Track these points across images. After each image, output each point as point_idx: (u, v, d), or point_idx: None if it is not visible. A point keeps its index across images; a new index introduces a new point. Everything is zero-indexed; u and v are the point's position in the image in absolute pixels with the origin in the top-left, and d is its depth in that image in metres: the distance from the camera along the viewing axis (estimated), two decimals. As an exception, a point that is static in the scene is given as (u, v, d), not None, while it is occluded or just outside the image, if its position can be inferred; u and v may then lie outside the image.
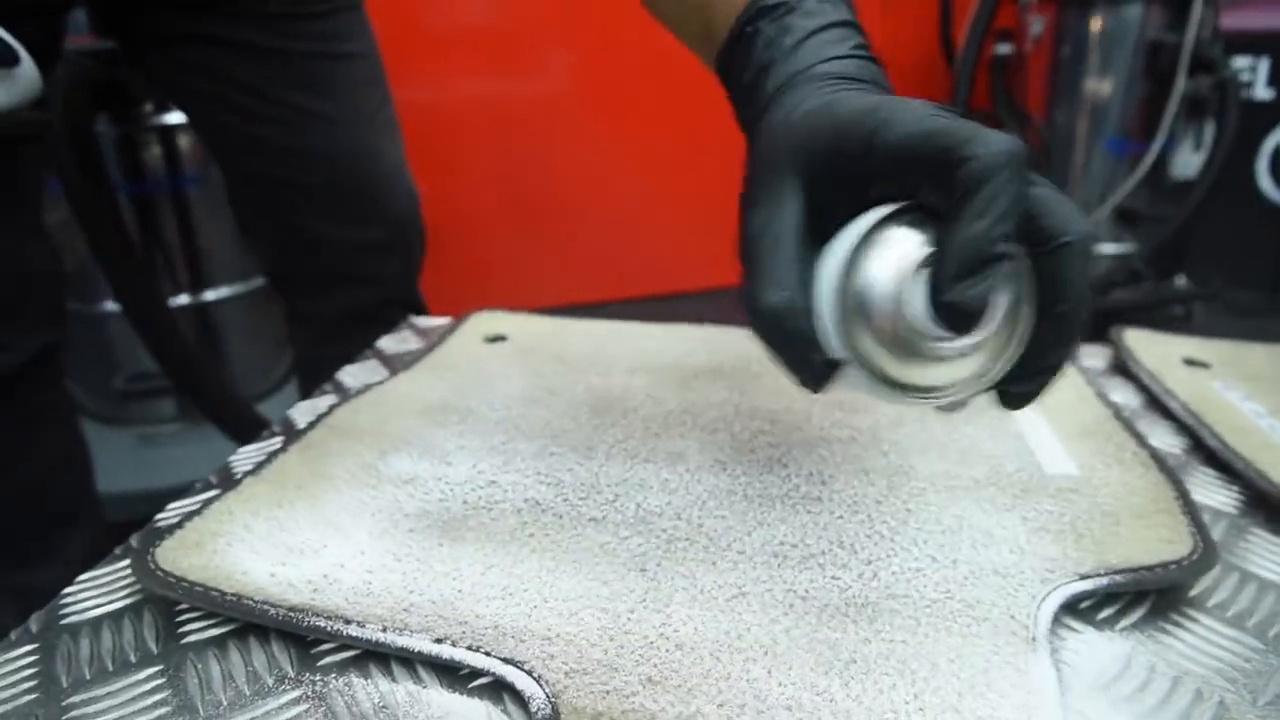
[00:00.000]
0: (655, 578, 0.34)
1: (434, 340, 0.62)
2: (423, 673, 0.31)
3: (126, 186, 1.07)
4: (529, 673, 0.29)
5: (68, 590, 0.36)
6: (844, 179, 0.29)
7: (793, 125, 0.31)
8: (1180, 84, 1.36)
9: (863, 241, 0.27)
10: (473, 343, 0.62)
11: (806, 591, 0.33)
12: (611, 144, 2.09)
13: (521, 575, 0.35)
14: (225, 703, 0.30)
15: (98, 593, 0.36)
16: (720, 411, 0.49)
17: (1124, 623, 0.33)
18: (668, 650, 0.30)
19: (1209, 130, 1.40)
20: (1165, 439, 0.47)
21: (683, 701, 0.28)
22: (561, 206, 2.13)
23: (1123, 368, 0.55)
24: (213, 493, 0.42)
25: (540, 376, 0.55)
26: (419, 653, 0.31)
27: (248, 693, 0.30)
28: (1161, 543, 0.35)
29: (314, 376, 0.60)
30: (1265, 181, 1.70)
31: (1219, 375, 0.53)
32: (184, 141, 1.11)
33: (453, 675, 0.31)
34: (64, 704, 0.30)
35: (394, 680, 0.31)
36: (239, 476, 0.43)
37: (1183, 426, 0.47)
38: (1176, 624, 0.32)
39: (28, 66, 0.47)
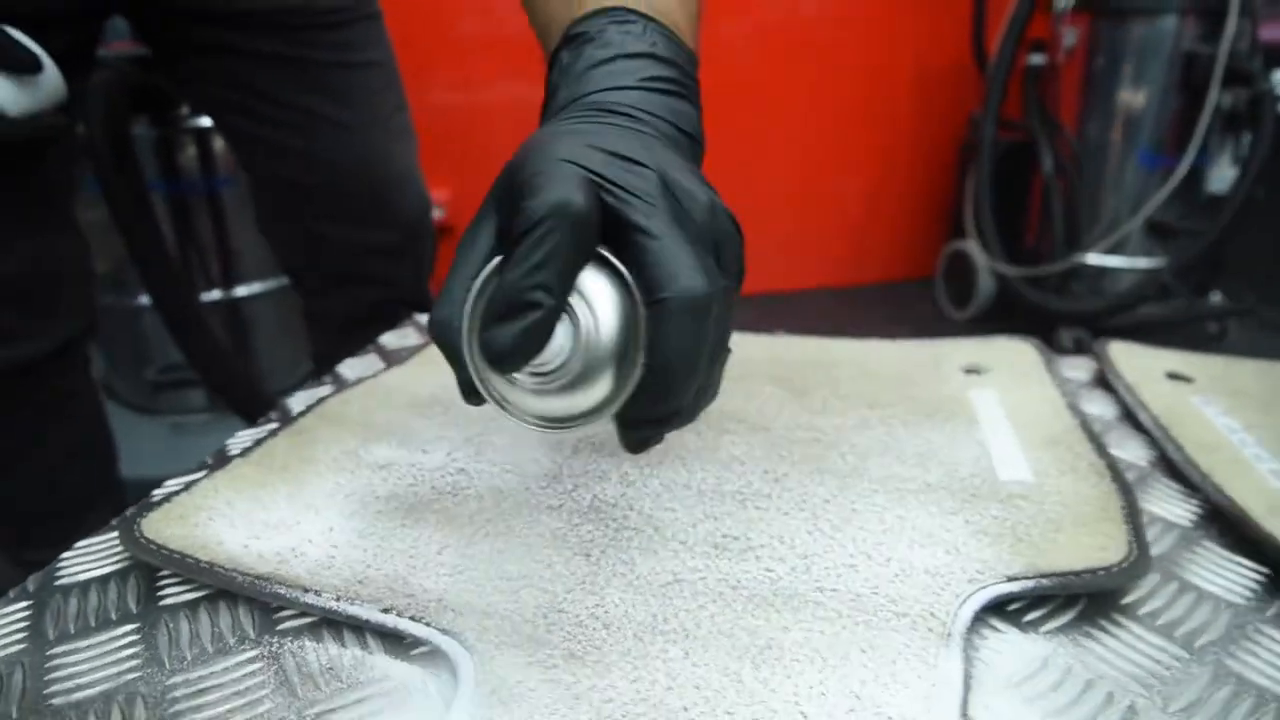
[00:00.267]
0: (598, 563, 0.36)
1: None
2: (370, 640, 0.33)
3: (163, 187, 1.13)
4: (462, 643, 0.31)
5: (65, 555, 0.39)
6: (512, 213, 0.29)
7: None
8: (1214, 96, 1.33)
9: (489, 275, 0.28)
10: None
11: (739, 581, 0.35)
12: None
13: (473, 555, 0.37)
14: (189, 658, 0.32)
15: (91, 558, 0.39)
16: (692, 411, 0.51)
17: (1050, 625, 0.33)
18: (595, 629, 0.32)
19: (1245, 143, 1.36)
20: (1134, 451, 0.47)
21: (598, 675, 0.29)
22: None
23: (1104, 380, 0.55)
24: (204, 471, 0.45)
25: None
26: (367, 621, 0.33)
27: (210, 650, 0.33)
28: (1096, 550, 0.35)
29: (329, 372, 0.63)
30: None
31: (1201, 390, 0.52)
32: (218, 144, 1.16)
33: (397, 643, 0.33)
34: (48, 654, 0.33)
35: (343, 645, 0.33)
36: (231, 457, 0.46)
37: (1152, 439, 0.47)
38: (1104, 629, 0.33)
39: (51, 73, 0.51)
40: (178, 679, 0.31)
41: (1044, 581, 0.33)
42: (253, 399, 1.05)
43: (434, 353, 0.62)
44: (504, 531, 0.39)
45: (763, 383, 0.55)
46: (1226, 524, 0.39)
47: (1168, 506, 0.41)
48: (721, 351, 0.32)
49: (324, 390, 0.57)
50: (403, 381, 0.56)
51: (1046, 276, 1.63)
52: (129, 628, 0.34)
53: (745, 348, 0.62)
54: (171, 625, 0.34)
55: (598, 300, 0.28)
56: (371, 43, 0.69)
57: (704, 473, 0.43)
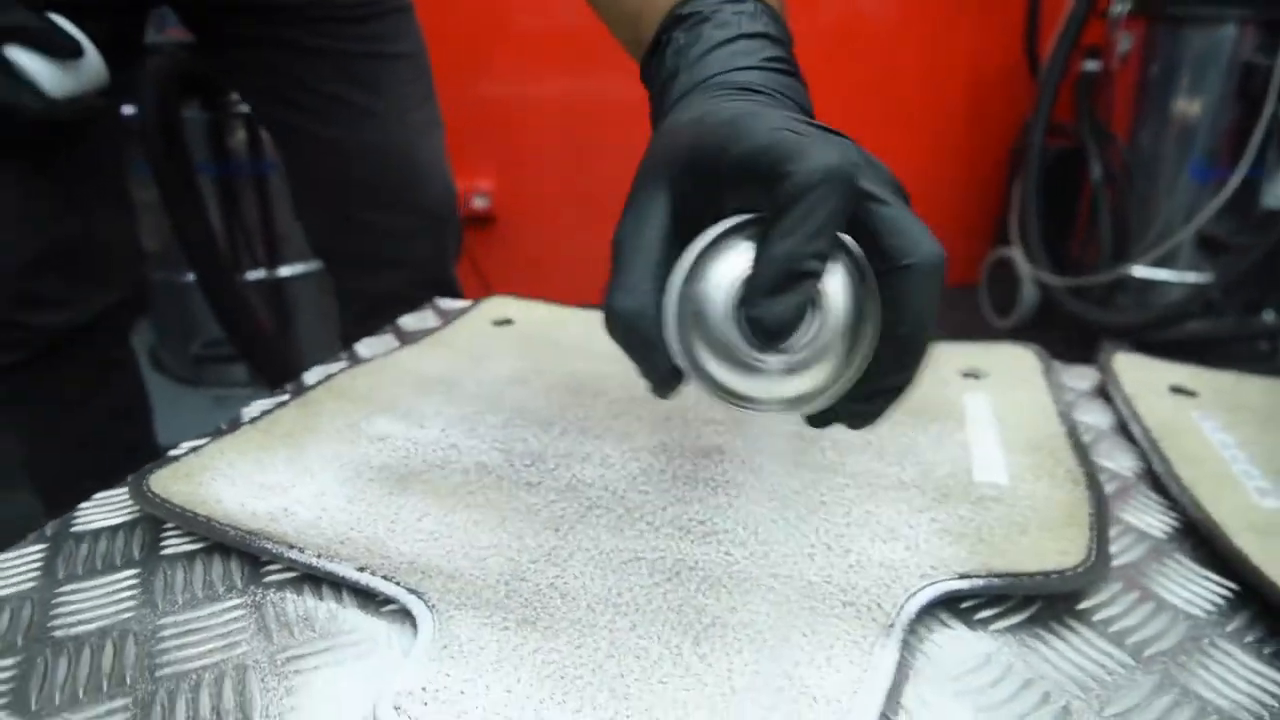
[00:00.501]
0: (565, 537, 0.38)
1: (448, 320, 0.67)
2: (345, 595, 0.35)
3: (213, 169, 1.19)
4: (426, 602, 0.33)
5: (82, 505, 0.42)
6: (705, 190, 0.28)
7: (668, 134, 0.30)
8: (1270, 108, 1.28)
9: (703, 253, 0.27)
10: (481, 325, 0.66)
11: (696, 562, 0.36)
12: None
13: (450, 524, 0.39)
14: (180, 603, 0.35)
15: (105, 509, 0.42)
16: (680, 401, 0.52)
17: (1000, 624, 0.34)
18: (552, 598, 0.33)
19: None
20: (1123, 461, 0.47)
21: (545, 639, 0.31)
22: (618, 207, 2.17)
23: (1105, 390, 0.54)
24: (215, 436, 0.48)
25: (530, 359, 0.59)
26: (343, 577, 0.35)
27: (200, 597, 0.35)
28: (1056, 553, 0.36)
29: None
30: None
31: (1203, 405, 0.52)
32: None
33: (369, 599, 0.35)
34: (55, 591, 0.36)
35: (320, 599, 0.35)
36: (243, 423, 0.49)
37: (1142, 450, 0.47)
38: (1054, 632, 0.33)
39: (92, 58, 0.54)
40: (167, 620, 0.34)
41: (994, 580, 0.34)
42: (289, 375, 1.09)
43: (446, 334, 0.65)
44: (482, 504, 0.40)
45: (757, 377, 0.56)
46: (1201, 538, 0.39)
47: (1145, 517, 0.41)
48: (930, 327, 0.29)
49: (339, 366, 0.60)
50: (412, 360, 0.59)
51: (1091, 287, 1.59)
52: (130, 573, 0.37)
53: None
54: (169, 573, 0.37)
55: (838, 277, 0.27)
56: (402, 35, 0.71)
57: (682, 460, 0.45)
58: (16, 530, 0.41)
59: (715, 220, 0.28)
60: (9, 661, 0.31)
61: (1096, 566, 0.34)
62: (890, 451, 0.46)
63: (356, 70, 0.69)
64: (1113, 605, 0.35)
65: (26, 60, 0.54)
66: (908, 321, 0.27)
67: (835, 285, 0.26)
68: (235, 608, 0.35)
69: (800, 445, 0.46)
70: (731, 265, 0.27)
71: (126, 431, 0.72)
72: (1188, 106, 1.43)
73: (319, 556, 0.36)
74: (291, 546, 0.36)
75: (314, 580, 0.36)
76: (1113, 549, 0.38)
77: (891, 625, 0.32)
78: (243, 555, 0.38)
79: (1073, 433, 0.47)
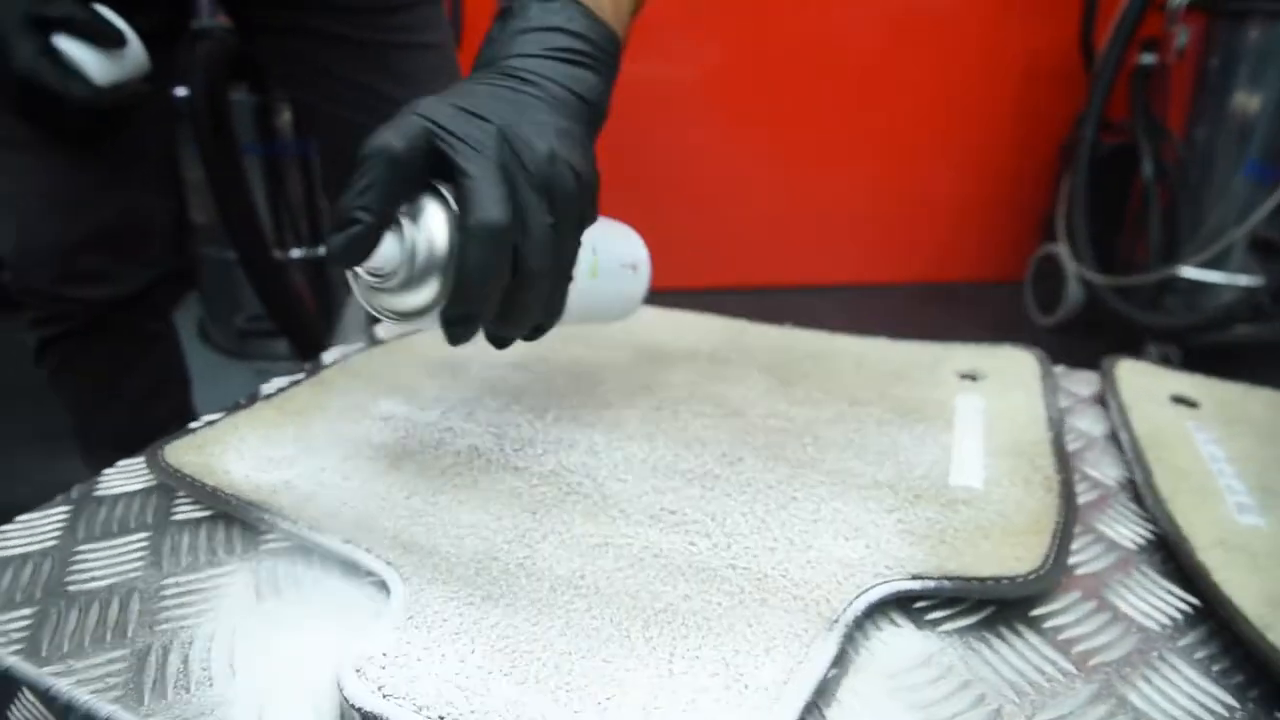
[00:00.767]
0: (540, 520, 0.40)
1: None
2: (331, 564, 0.38)
3: (259, 149, 1.24)
4: (401, 575, 0.35)
5: (107, 471, 0.46)
6: None
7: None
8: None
9: None
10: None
11: (660, 550, 0.37)
12: (739, 136, 2.11)
13: (435, 503, 0.41)
14: (182, 565, 0.38)
15: (127, 475, 0.46)
16: (675, 392, 0.53)
17: (949, 626, 0.34)
18: (519, 578, 0.35)
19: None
20: (1107, 470, 0.47)
21: (505, 615, 0.33)
22: (680, 191, 2.17)
23: (1102, 397, 0.54)
24: (231, 410, 0.51)
25: (536, 345, 0.61)
26: (329, 549, 0.38)
27: (201, 561, 0.38)
28: (1012, 559, 0.36)
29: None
30: None
31: (1201, 416, 0.51)
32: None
33: (352, 569, 0.37)
34: (74, 550, 0.39)
35: (308, 567, 0.38)
36: (260, 398, 0.52)
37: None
38: (1001, 636, 0.34)
39: (135, 47, 0.58)
40: (170, 580, 0.37)
41: (945, 583, 0.35)
42: (323, 347, 1.14)
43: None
44: (468, 485, 0.43)
45: (752, 370, 0.57)
46: (1169, 552, 0.39)
47: (1118, 527, 0.41)
48: (543, 276, 0.35)
49: (356, 347, 0.63)
50: (424, 345, 0.61)
51: (1138, 288, 1.54)
52: (142, 535, 0.40)
53: (747, 337, 0.64)
54: (175, 537, 0.40)
55: (426, 223, 0.34)
56: (430, 26, 0.73)
57: (665, 450, 0.46)
58: (63, 492, 0.45)
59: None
60: (27, 611, 0.34)
61: (1049, 574, 0.35)
62: (871, 450, 0.46)
63: (385, 60, 0.71)
64: (1066, 613, 0.35)
65: (74, 50, 0.58)
66: (462, 267, 0.33)
67: (422, 231, 0.33)
68: (229, 571, 0.38)
69: (782, 440, 0.47)
70: None
71: (166, 401, 0.77)
72: (1245, 103, 1.37)
73: (310, 528, 0.38)
74: (286, 518, 0.39)
75: (305, 550, 0.39)
76: (1079, 557, 0.39)
77: (836, 621, 0.33)
78: (244, 524, 0.41)
79: (1058, 439, 0.47)
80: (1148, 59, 1.57)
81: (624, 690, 0.29)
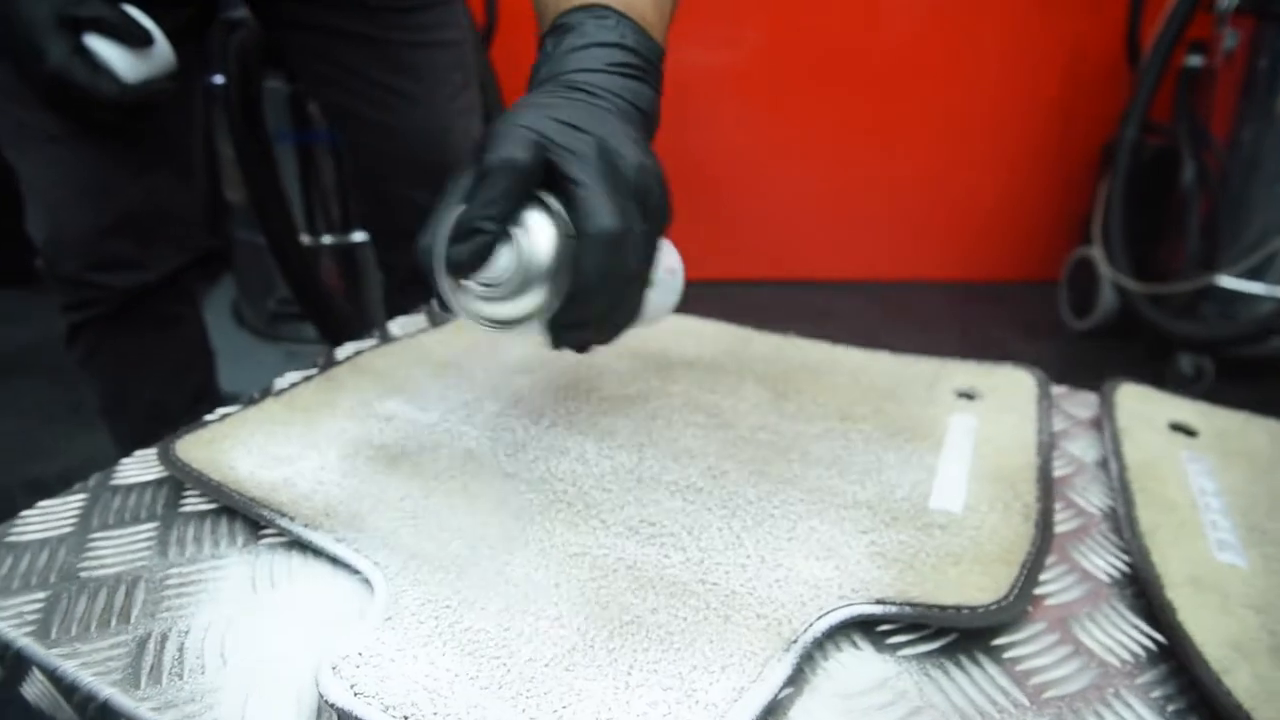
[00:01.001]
0: (525, 528, 0.41)
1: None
2: (323, 560, 0.40)
3: (292, 137, 1.27)
4: (386, 575, 0.37)
5: (124, 460, 0.49)
6: None
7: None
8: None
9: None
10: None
11: (635, 562, 0.39)
12: (774, 126, 2.10)
13: (426, 506, 0.43)
14: (185, 556, 0.40)
15: (141, 466, 0.48)
16: (670, 401, 0.54)
17: (910, 651, 0.35)
18: (497, 583, 0.37)
19: None
20: (1094, 498, 0.47)
21: (477, 620, 0.34)
22: (710, 180, 2.17)
23: (1100, 422, 0.54)
24: (245, 405, 0.54)
25: (539, 348, 0.62)
26: (321, 546, 0.40)
27: (204, 553, 0.41)
28: (976, 589, 0.37)
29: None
30: None
31: (1198, 446, 0.51)
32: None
33: (343, 568, 0.39)
34: (88, 537, 0.42)
35: (302, 562, 0.40)
36: (271, 393, 0.54)
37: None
38: (959, 664, 0.35)
39: (162, 45, 0.61)
40: (173, 570, 0.39)
41: (906, 609, 0.35)
42: (352, 334, 1.17)
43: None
44: (459, 489, 0.44)
45: (748, 381, 0.57)
46: (1141, 588, 0.39)
47: (1094, 558, 0.41)
48: (638, 280, 0.38)
49: (369, 343, 0.65)
50: (432, 344, 0.63)
51: (1173, 295, 1.50)
52: (150, 525, 0.43)
53: (749, 346, 0.64)
54: (181, 529, 0.43)
55: (537, 233, 0.35)
56: (446, 25, 0.75)
57: (652, 461, 0.47)
58: (97, 466, 0.48)
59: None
60: (40, 595, 0.37)
61: (1011, 606, 0.36)
62: (855, 468, 0.47)
63: (402, 58, 0.73)
64: (1028, 644, 0.36)
65: (104, 48, 0.61)
66: (582, 273, 0.35)
67: (534, 241, 0.35)
68: (228, 563, 0.40)
69: (768, 455, 0.48)
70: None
71: (191, 382, 0.80)
72: (1295, 108, 1.33)
73: (305, 526, 0.41)
74: (284, 515, 0.41)
75: (300, 546, 0.41)
76: (1050, 587, 0.39)
77: (795, 641, 0.34)
78: (245, 518, 0.43)
79: (1044, 466, 0.47)
80: (1194, 60, 1.53)
81: (580, 699, 0.30)
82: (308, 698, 0.32)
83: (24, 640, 0.34)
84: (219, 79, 1.10)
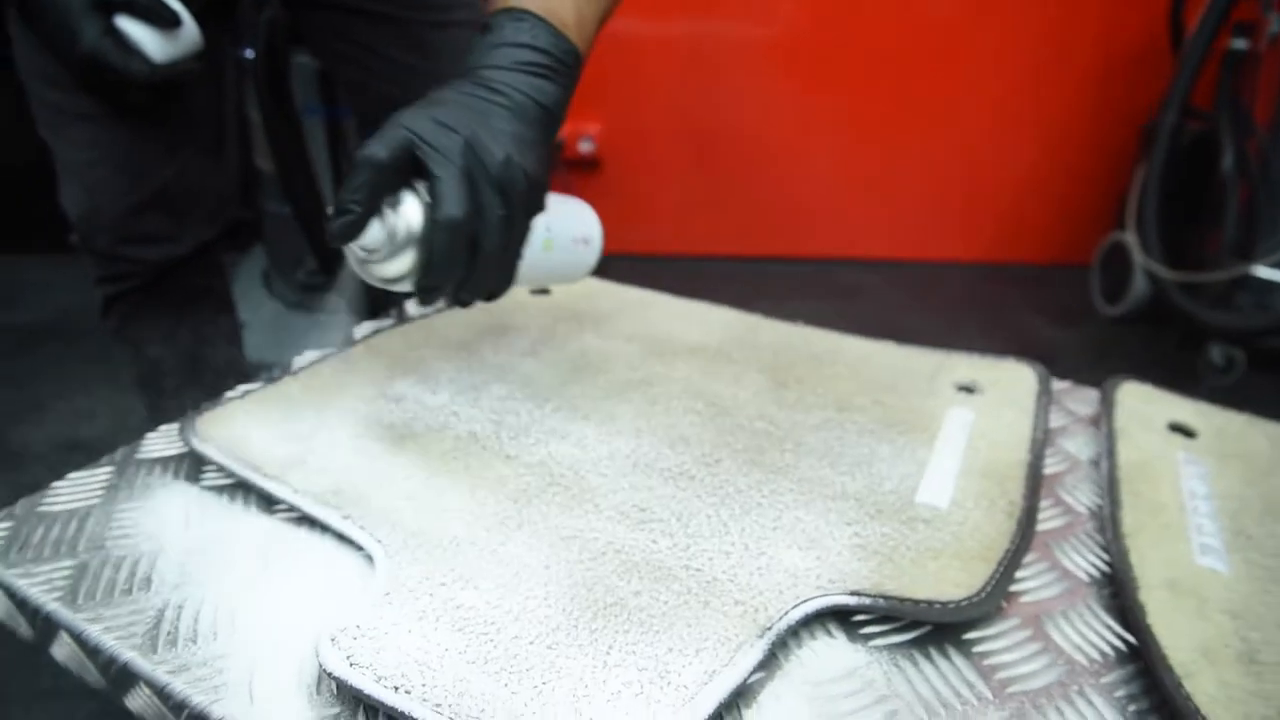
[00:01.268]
0: (521, 510, 0.43)
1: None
2: (329, 535, 0.42)
3: (321, 110, 1.29)
4: (387, 552, 0.39)
5: (150, 435, 0.51)
6: None
7: None
8: None
9: None
10: (519, 293, 0.72)
11: (623, 546, 0.40)
12: (807, 102, 2.08)
13: (428, 485, 0.45)
14: (204, 529, 0.43)
15: (166, 441, 0.51)
16: (671, 387, 0.56)
17: (881, 642, 0.36)
18: (490, 563, 0.39)
19: None
20: (1083, 496, 0.47)
21: (470, 598, 0.36)
22: (741, 156, 2.15)
23: (1099, 419, 0.54)
24: (262, 383, 0.56)
25: (550, 331, 0.64)
26: (328, 523, 0.42)
27: (219, 526, 0.43)
28: (951, 584, 0.38)
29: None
30: None
31: (1196, 447, 0.51)
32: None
33: (348, 544, 0.41)
34: (115, 509, 0.44)
35: (311, 534, 0.42)
36: (290, 372, 0.57)
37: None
38: (929, 655, 0.36)
39: (189, 26, 0.63)
40: (192, 543, 0.42)
41: (880, 601, 0.37)
42: (376, 306, 1.20)
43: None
44: (461, 471, 0.46)
45: (751, 370, 0.59)
46: (1119, 587, 0.40)
47: (1076, 557, 0.42)
48: (496, 255, 0.43)
49: (386, 323, 0.67)
50: (444, 326, 0.65)
51: (1207, 284, 1.47)
52: (173, 497, 0.45)
53: (756, 334, 0.65)
54: (201, 501, 0.45)
55: (405, 214, 0.41)
56: (463, 4, 0.77)
57: (649, 447, 0.49)
58: (131, 429, 0.51)
59: None
60: (69, 563, 0.40)
61: (983, 603, 0.37)
62: (846, 459, 0.48)
63: (419, 37, 0.75)
64: (999, 639, 0.37)
65: (134, 30, 0.63)
66: (431, 250, 0.41)
67: (398, 219, 0.41)
68: (241, 535, 0.42)
69: (763, 444, 0.49)
70: None
71: (219, 352, 0.84)
72: (1341, 95, 1.28)
73: (314, 502, 0.43)
74: (295, 491, 0.44)
75: (309, 521, 0.43)
76: (1027, 584, 0.40)
77: (769, 629, 0.35)
78: (259, 493, 0.45)
79: (1034, 463, 0.48)
80: (1239, 44, 1.47)
81: (559, 676, 0.32)
82: (309, 666, 0.34)
83: (53, 605, 0.37)
84: (249, 53, 1.12)
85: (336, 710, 0.32)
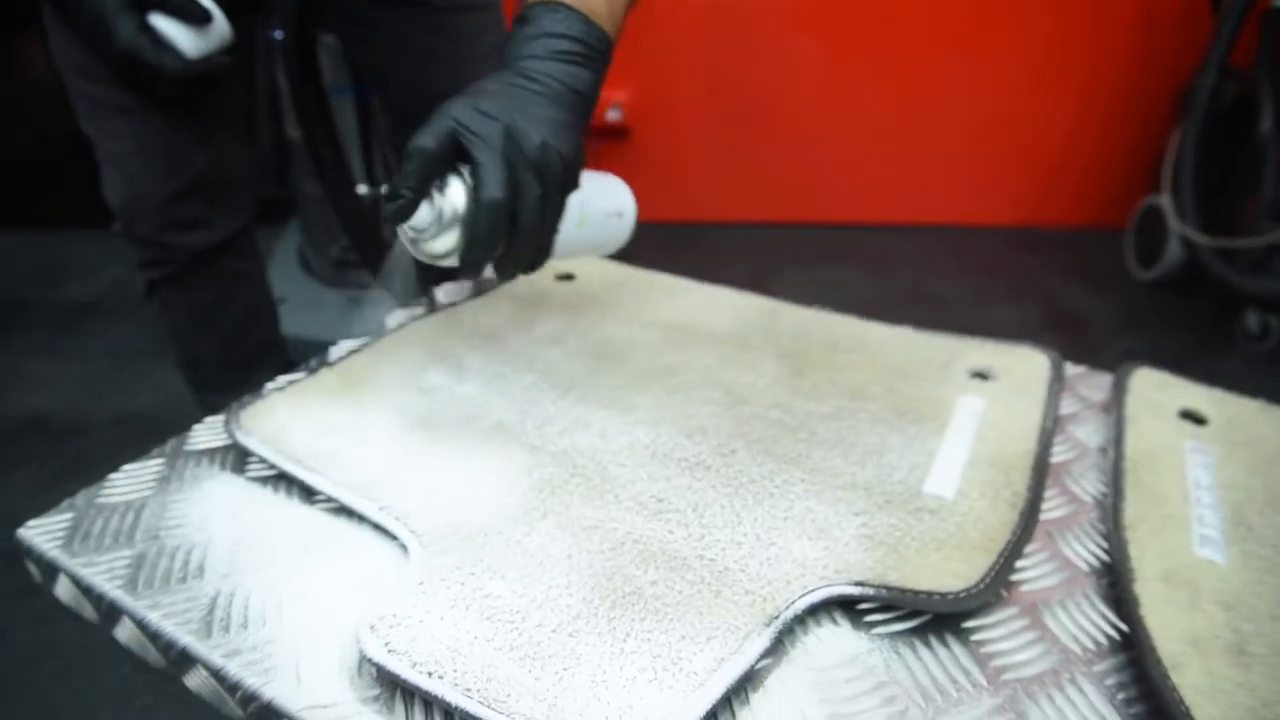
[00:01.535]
0: (544, 500, 0.45)
1: (515, 271, 0.75)
2: (366, 525, 0.45)
3: (351, 90, 1.31)
4: (421, 544, 0.42)
5: (197, 426, 0.54)
6: None
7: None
8: None
9: None
10: (543, 279, 0.74)
11: (641, 536, 0.43)
12: (834, 66, 2.04)
13: (457, 475, 0.47)
14: (251, 519, 0.46)
15: (213, 433, 0.54)
16: (690, 377, 0.58)
17: (884, 630, 0.39)
18: (516, 554, 0.41)
19: None
20: (1089, 485, 0.48)
21: (497, 587, 0.39)
22: (770, 122, 2.13)
23: (1109, 406, 0.55)
24: (306, 373, 0.59)
25: (573, 319, 0.66)
26: (365, 513, 0.45)
27: (264, 516, 0.46)
28: (951, 575, 0.40)
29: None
30: None
31: (1205, 435, 0.51)
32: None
33: (384, 534, 0.44)
34: (168, 499, 0.48)
35: (349, 523, 0.45)
36: (327, 363, 0.59)
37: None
38: (929, 643, 0.38)
39: (220, 22, 0.65)
40: (240, 532, 0.45)
41: (882, 591, 0.39)
42: (425, 281, 1.23)
43: (509, 289, 0.73)
44: (488, 461, 0.49)
45: (768, 357, 0.60)
46: (1117, 577, 0.41)
47: (1077, 546, 0.44)
48: (536, 232, 0.46)
49: (417, 312, 0.69)
50: (472, 314, 0.67)
51: (1244, 250, 1.44)
52: (220, 487, 0.49)
53: (775, 320, 0.66)
54: (246, 492, 0.48)
55: (451, 196, 0.45)
56: None
57: (667, 437, 0.51)
58: (175, 404, 0.53)
59: None
60: (128, 552, 0.43)
61: (981, 594, 0.38)
62: (858, 449, 0.50)
63: (438, 21, 0.78)
64: (996, 628, 0.39)
65: (167, 26, 0.66)
66: (474, 229, 0.45)
67: (450, 199, 0.45)
68: (283, 524, 0.45)
69: (777, 433, 0.51)
70: None
71: (255, 333, 0.87)
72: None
73: (352, 493, 0.46)
74: (335, 484, 0.46)
75: (348, 512, 0.46)
76: (1027, 574, 0.42)
77: (776, 618, 0.37)
78: (300, 485, 0.48)
79: (1041, 453, 0.49)
80: (1283, 0, 1.42)
81: (579, 662, 0.35)
82: (350, 650, 0.37)
83: (116, 592, 0.41)
84: (278, 34, 1.14)
85: (376, 692, 0.35)
